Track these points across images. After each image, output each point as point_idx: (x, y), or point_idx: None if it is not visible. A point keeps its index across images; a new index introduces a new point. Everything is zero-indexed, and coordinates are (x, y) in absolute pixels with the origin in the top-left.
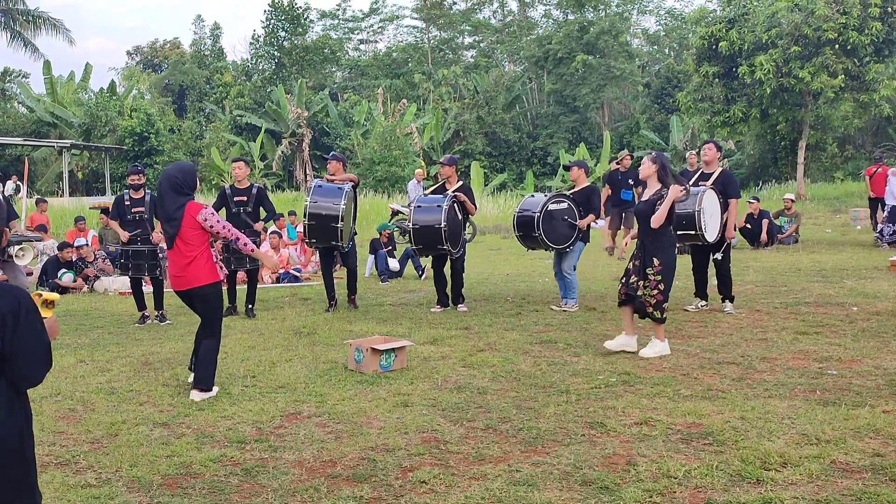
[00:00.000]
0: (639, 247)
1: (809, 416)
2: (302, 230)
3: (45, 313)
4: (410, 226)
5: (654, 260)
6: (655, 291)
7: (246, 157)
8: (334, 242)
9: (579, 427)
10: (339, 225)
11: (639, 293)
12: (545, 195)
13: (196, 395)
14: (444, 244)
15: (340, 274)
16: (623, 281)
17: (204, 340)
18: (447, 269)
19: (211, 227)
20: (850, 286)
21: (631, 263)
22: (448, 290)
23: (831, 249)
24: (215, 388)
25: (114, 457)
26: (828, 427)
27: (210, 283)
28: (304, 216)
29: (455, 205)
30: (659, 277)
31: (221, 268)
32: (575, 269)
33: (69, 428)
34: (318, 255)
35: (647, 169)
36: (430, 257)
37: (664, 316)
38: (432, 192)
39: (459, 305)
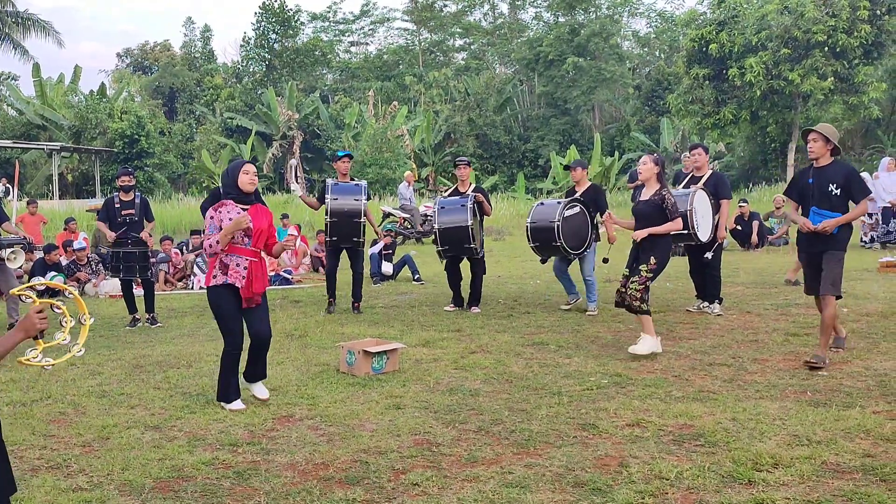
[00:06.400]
0: (635, 245)
1: (800, 418)
2: (323, 230)
3: (32, 305)
4: (436, 227)
5: (651, 259)
6: (642, 287)
7: (236, 159)
8: (356, 239)
9: (571, 429)
10: (361, 220)
11: (622, 289)
12: (557, 202)
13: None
14: (472, 243)
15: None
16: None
17: None
18: (462, 272)
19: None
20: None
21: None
22: (454, 291)
23: None
24: (236, 403)
25: (105, 460)
26: (819, 428)
27: (206, 286)
28: (326, 214)
29: (475, 205)
30: (650, 274)
31: (216, 276)
32: (594, 270)
33: (60, 431)
34: (309, 256)
35: (650, 170)
36: (444, 261)
37: (648, 308)
38: (450, 195)
39: (474, 308)
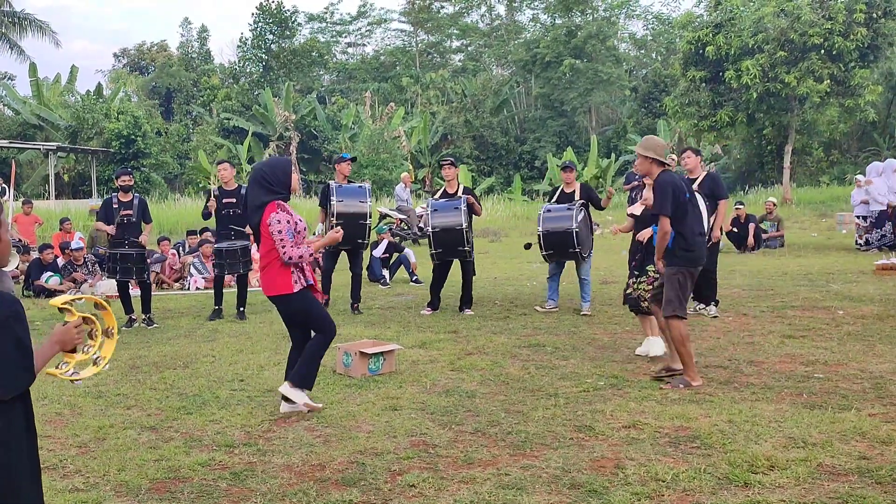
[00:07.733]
0: (640, 247)
1: (796, 420)
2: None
3: (69, 318)
4: (430, 230)
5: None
6: (650, 286)
7: (233, 159)
8: (360, 241)
9: (567, 430)
10: (367, 222)
11: (628, 290)
12: (567, 207)
13: (285, 387)
14: (465, 245)
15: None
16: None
17: (314, 336)
18: (450, 274)
19: (271, 233)
20: (836, 290)
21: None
22: (439, 294)
23: (817, 253)
24: (302, 394)
25: (101, 461)
26: (814, 430)
27: (279, 294)
28: (332, 216)
29: (467, 207)
30: (657, 275)
31: (297, 280)
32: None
33: (56, 432)
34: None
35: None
36: (434, 262)
37: (649, 308)
38: (440, 197)
39: (467, 310)
